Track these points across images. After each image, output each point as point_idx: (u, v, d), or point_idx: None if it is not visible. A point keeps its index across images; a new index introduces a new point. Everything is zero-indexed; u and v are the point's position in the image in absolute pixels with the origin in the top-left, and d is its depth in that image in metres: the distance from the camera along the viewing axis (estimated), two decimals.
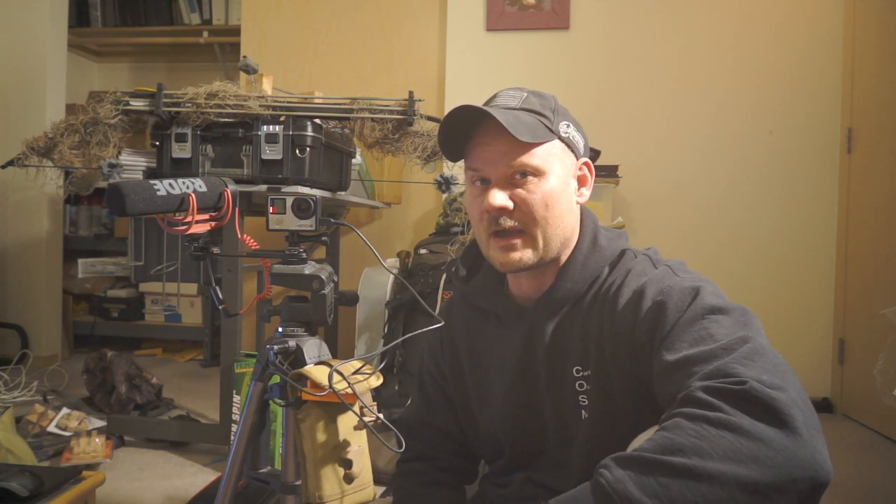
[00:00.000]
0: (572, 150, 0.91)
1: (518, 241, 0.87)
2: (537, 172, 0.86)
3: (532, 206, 0.86)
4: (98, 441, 2.04)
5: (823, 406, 2.78)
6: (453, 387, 1.04)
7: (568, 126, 0.90)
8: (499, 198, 0.85)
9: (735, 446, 0.59)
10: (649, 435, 0.74)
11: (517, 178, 0.86)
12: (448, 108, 3.03)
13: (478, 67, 3.08)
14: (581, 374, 0.87)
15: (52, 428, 2.14)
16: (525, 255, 0.87)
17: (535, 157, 0.86)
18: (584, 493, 0.62)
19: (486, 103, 0.91)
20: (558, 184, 0.88)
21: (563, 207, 0.89)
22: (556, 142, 0.88)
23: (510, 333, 0.95)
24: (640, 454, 0.61)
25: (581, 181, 0.93)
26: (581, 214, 0.95)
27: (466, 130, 0.88)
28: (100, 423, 2.19)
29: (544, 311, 0.91)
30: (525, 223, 0.86)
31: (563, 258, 0.92)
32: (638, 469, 0.60)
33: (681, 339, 0.74)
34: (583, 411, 0.87)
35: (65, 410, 2.22)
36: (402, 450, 0.92)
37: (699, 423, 0.61)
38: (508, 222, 0.86)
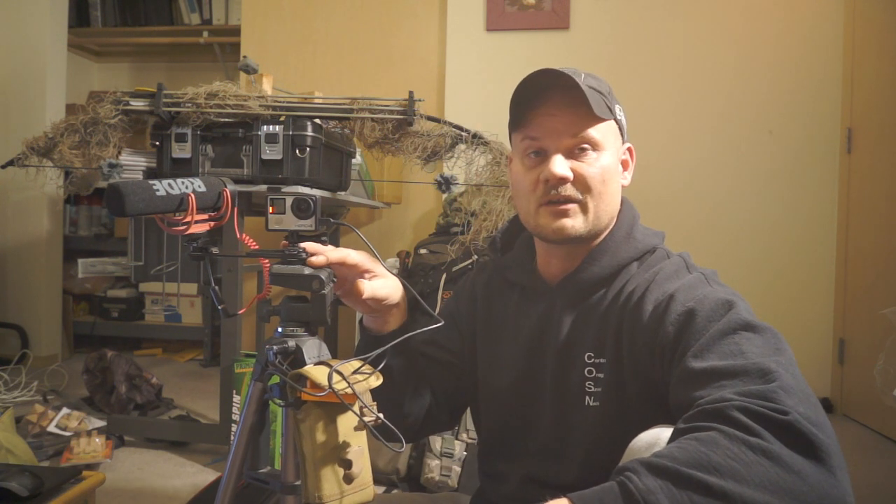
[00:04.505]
0: (622, 133, 0.93)
1: (571, 208, 0.88)
2: (598, 146, 0.88)
3: (591, 179, 0.87)
4: (98, 441, 2.04)
5: (823, 406, 2.77)
6: (467, 331, 1.04)
7: (621, 110, 0.93)
8: (561, 167, 0.86)
9: (771, 476, 0.58)
10: (654, 433, 0.74)
11: (577, 150, 0.87)
12: (448, 108, 3.06)
13: (478, 67, 3.08)
14: (593, 360, 0.87)
15: (52, 428, 2.14)
16: (577, 222, 0.88)
17: (598, 131, 0.87)
18: (611, 495, 0.59)
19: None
20: (613, 161, 0.90)
21: (615, 186, 0.91)
22: (612, 122, 0.90)
23: (530, 308, 0.96)
24: (674, 465, 0.59)
25: (624, 165, 0.95)
26: (622, 204, 0.96)
27: (530, 100, 0.89)
28: (100, 423, 2.19)
29: (565, 292, 0.92)
30: (582, 193, 0.88)
31: (595, 242, 0.92)
32: (671, 482, 0.58)
33: (710, 349, 0.73)
34: (587, 398, 0.87)
35: (65, 410, 2.22)
36: (401, 450, 0.92)
37: (738, 445, 0.59)
38: (567, 191, 0.87)
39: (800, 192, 2.88)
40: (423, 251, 2.46)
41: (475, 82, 3.06)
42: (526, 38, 3.06)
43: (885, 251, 2.50)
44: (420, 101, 2.05)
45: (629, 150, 0.96)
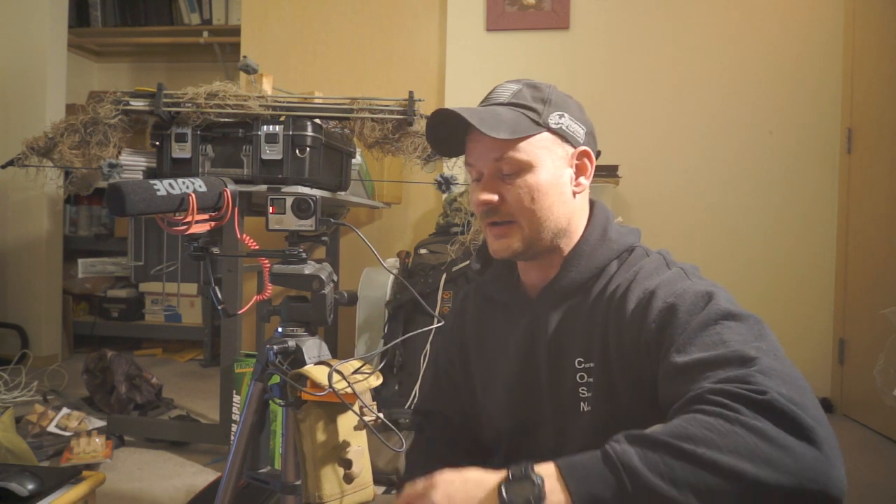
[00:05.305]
0: (567, 141, 0.91)
1: (507, 229, 0.90)
2: (522, 167, 0.88)
3: (517, 200, 0.88)
4: (98, 441, 2.04)
5: (823, 406, 2.77)
6: (461, 373, 1.06)
7: (561, 116, 0.90)
8: (484, 194, 0.89)
9: (748, 444, 0.59)
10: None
11: (504, 172, 0.88)
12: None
13: (478, 67, 3.08)
14: (583, 365, 0.88)
15: (52, 428, 2.14)
16: (513, 242, 0.90)
17: (519, 152, 0.87)
18: (592, 458, 0.63)
19: (485, 98, 0.94)
20: (547, 176, 0.89)
21: (553, 199, 0.89)
22: (545, 134, 0.89)
23: (515, 323, 0.96)
24: (651, 434, 0.62)
25: (579, 170, 0.93)
26: (593, 207, 0.96)
27: (465, 126, 0.90)
28: (100, 423, 2.19)
29: (548, 301, 0.92)
30: (513, 215, 0.89)
31: (568, 248, 0.92)
32: (646, 446, 0.61)
33: (692, 342, 0.73)
34: (582, 404, 0.87)
35: (65, 410, 2.22)
36: (401, 450, 0.92)
37: (715, 418, 0.61)
38: (497, 214, 0.90)
39: (800, 192, 2.88)
40: (423, 251, 2.46)
41: (475, 82, 3.05)
42: (526, 38, 3.06)
43: (885, 251, 2.50)
44: (420, 101, 2.05)
45: (584, 153, 0.93)
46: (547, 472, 0.63)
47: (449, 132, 0.92)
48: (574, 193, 0.92)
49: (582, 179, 0.93)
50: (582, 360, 0.88)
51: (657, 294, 0.81)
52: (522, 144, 0.87)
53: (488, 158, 0.89)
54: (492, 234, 0.91)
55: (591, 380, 0.87)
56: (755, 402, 0.62)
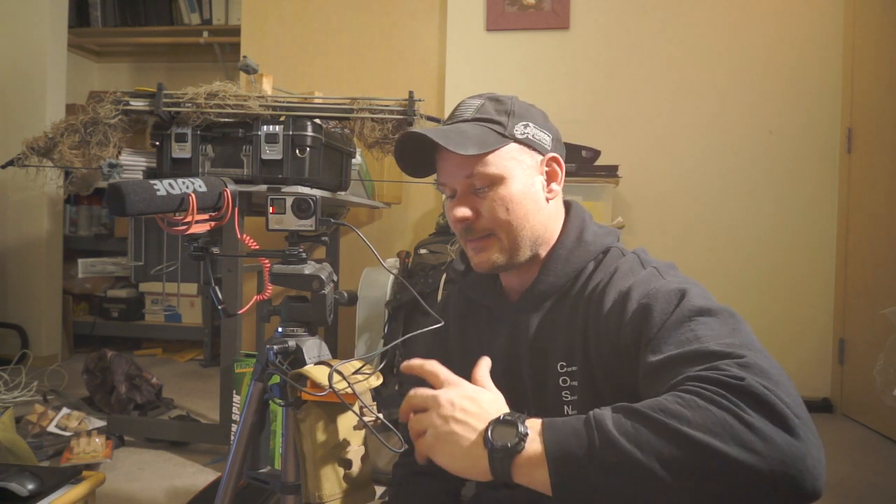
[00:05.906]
0: (534, 149, 0.92)
1: (487, 243, 0.91)
2: (493, 180, 0.89)
3: (492, 213, 0.89)
4: (98, 441, 2.04)
5: (823, 406, 2.78)
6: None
7: (526, 126, 0.91)
8: (459, 210, 0.90)
9: (718, 420, 0.59)
10: None
11: (476, 187, 0.90)
12: (448, 108, 3.06)
13: (478, 67, 3.08)
14: (566, 369, 0.88)
15: (52, 428, 2.14)
16: (493, 255, 0.91)
17: (489, 166, 0.88)
18: (575, 419, 0.66)
19: (450, 115, 0.95)
20: (519, 186, 0.90)
21: (528, 208, 0.90)
22: (512, 145, 0.90)
23: (498, 328, 0.97)
24: (631, 405, 0.64)
25: (550, 177, 0.94)
26: (569, 210, 0.97)
27: (434, 146, 0.90)
28: (100, 423, 2.19)
29: (527, 305, 0.93)
30: (490, 229, 0.90)
31: (544, 253, 0.93)
32: (622, 413, 0.64)
33: (666, 341, 0.73)
34: (566, 407, 0.88)
35: (65, 410, 2.22)
36: (401, 450, 0.92)
37: (691, 395, 0.62)
38: (476, 229, 0.91)
39: (800, 192, 2.88)
40: (423, 251, 2.46)
41: (475, 82, 3.06)
42: (526, 38, 3.06)
43: (885, 251, 2.50)
44: (420, 101, 2.05)
45: (553, 159, 0.94)
46: (533, 425, 0.66)
47: (418, 154, 0.93)
48: (547, 199, 0.93)
49: (554, 185, 0.94)
50: (564, 363, 0.88)
51: (631, 295, 0.81)
52: (491, 158, 0.88)
53: (459, 175, 0.90)
54: (471, 249, 0.92)
55: (574, 383, 0.87)
56: (732, 386, 0.62)
